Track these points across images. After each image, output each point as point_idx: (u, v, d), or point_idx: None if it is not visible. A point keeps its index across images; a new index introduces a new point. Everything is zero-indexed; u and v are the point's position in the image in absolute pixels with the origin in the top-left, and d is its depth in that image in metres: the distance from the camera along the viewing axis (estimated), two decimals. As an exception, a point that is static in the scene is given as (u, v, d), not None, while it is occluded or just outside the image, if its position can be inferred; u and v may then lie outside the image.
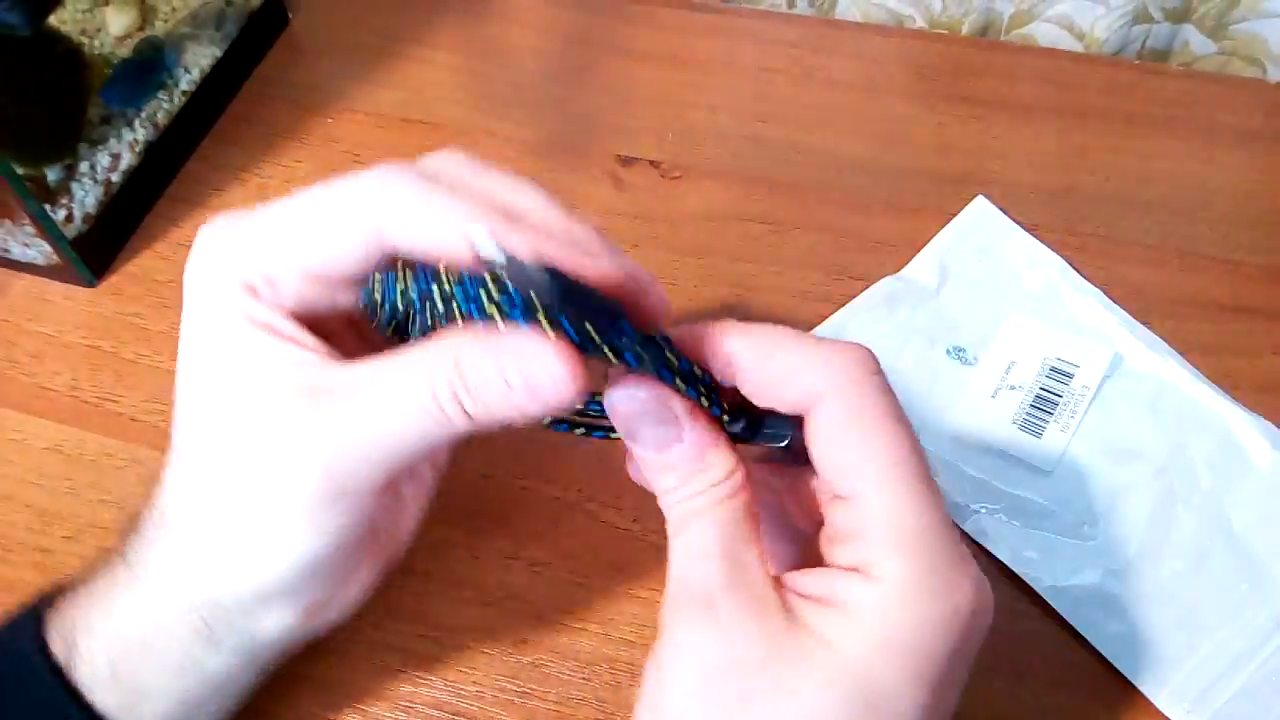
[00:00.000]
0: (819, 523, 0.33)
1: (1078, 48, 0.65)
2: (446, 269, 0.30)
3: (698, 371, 0.30)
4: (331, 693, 0.41)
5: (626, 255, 0.31)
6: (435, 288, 0.30)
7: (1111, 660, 0.40)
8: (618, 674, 0.41)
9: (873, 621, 0.27)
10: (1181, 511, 0.43)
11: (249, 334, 0.31)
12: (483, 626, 0.42)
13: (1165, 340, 0.48)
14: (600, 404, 0.33)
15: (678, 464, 0.30)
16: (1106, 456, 0.45)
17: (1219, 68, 0.64)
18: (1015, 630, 0.42)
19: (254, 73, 0.63)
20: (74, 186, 0.53)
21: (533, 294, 0.27)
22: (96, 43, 0.55)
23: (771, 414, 0.31)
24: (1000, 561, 0.43)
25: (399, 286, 0.32)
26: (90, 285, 0.54)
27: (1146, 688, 0.40)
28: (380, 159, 0.60)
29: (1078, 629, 0.41)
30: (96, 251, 0.54)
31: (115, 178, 0.55)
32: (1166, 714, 0.39)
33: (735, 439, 0.31)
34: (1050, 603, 0.42)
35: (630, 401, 0.30)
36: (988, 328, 0.49)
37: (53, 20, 0.52)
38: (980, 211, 0.53)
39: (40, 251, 0.53)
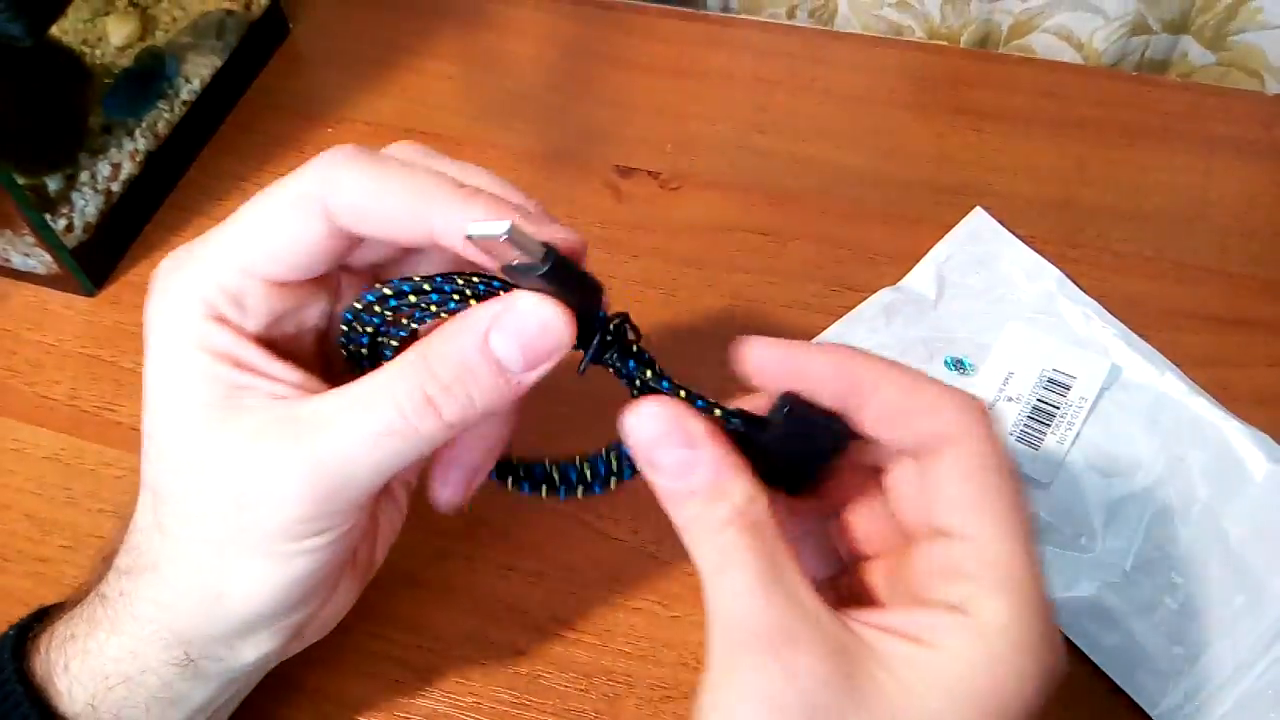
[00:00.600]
0: (854, 552, 0.33)
1: (1076, 59, 0.65)
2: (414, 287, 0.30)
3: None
4: (328, 703, 0.41)
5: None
6: (410, 296, 0.30)
7: (1108, 673, 0.40)
8: (615, 685, 0.41)
9: (964, 661, 0.27)
10: (1178, 524, 0.43)
11: (214, 371, 0.30)
12: (480, 637, 0.42)
13: (1162, 352, 0.48)
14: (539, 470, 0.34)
15: (700, 487, 0.28)
16: (1103, 468, 0.45)
17: (1218, 79, 0.64)
18: (1012, 642, 0.41)
19: (254, 82, 0.63)
20: (74, 196, 0.53)
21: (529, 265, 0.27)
22: (97, 52, 0.55)
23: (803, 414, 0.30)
24: (997, 573, 0.43)
25: (366, 314, 0.31)
26: (90, 295, 0.54)
27: (1143, 700, 0.40)
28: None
29: (1074, 642, 0.41)
30: (96, 261, 0.54)
31: (116, 187, 0.55)
32: (1163, 727, 0.39)
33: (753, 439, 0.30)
34: (1047, 615, 0.42)
35: (651, 422, 0.28)
36: (985, 339, 0.49)
37: (54, 30, 0.52)
38: (978, 223, 0.54)
39: (40, 261, 0.53)
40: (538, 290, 0.28)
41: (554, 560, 0.44)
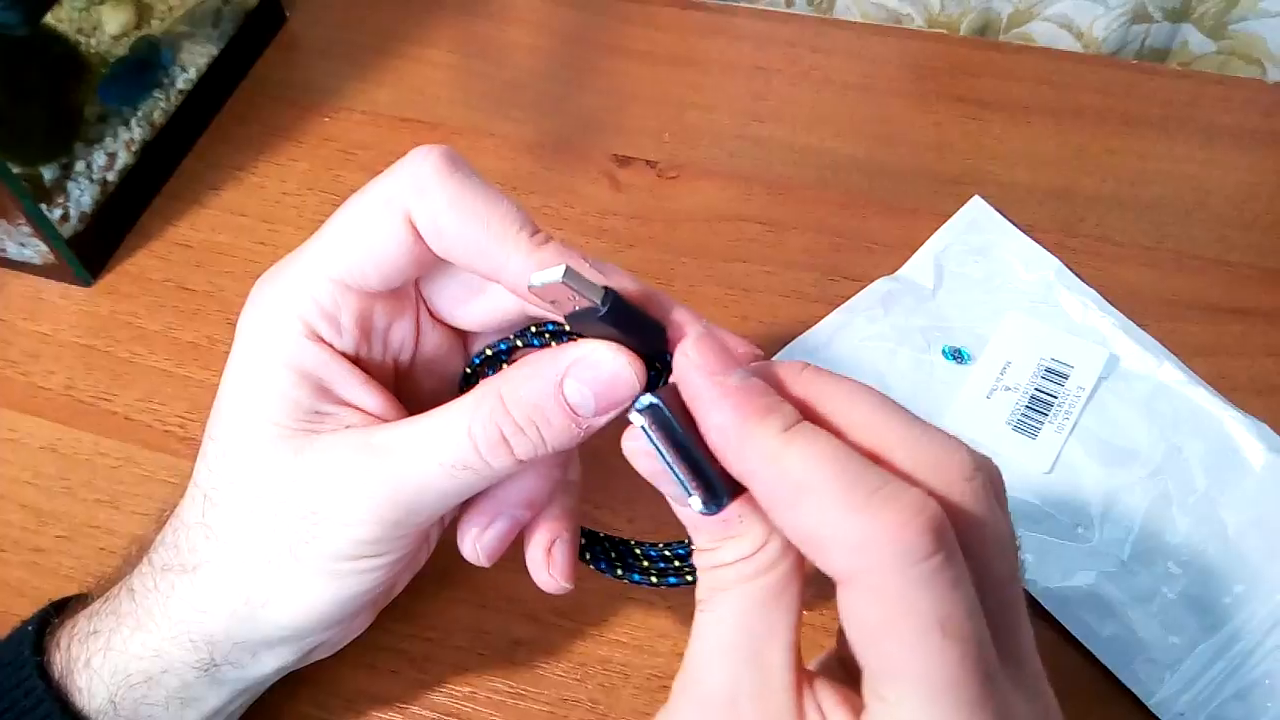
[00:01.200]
0: None
1: (1076, 47, 0.64)
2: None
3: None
4: (325, 693, 0.41)
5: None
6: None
7: (1105, 663, 0.40)
8: (611, 675, 0.41)
9: None
10: (1176, 513, 0.43)
11: (296, 393, 0.31)
12: (477, 627, 0.42)
13: (1161, 341, 0.48)
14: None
15: (701, 525, 0.26)
16: (1101, 458, 0.45)
17: (1218, 67, 0.64)
18: (1009, 632, 0.41)
19: (250, 72, 0.63)
20: (70, 186, 0.53)
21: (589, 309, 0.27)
22: (93, 42, 0.55)
23: None
24: (994, 563, 0.43)
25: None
26: (86, 284, 0.54)
27: (1140, 690, 0.40)
28: (377, 158, 0.61)
29: (1071, 632, 0.41)
30: (92, 251, 0.54)
31: (111, 177, 0.55)
32: (1160, 717, 0.39)
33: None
34: (1044, 605, 0.42)
35: (643, 461, 0.27)
36: (983, 328, 0.49)
37: (49, 19, 0.52)
38: (976, 212, 0.53)
39: (36, 251, 0.53)
40: (603, 336, 0.28)
41: (551, 550, 0.44)
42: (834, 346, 0.49)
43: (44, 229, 0.51)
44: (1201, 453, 0.45)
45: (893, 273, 0.52)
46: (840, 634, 0.31)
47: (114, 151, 0.55)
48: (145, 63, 0.57)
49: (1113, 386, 0.47)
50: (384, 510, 0.30)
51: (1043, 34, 0.65)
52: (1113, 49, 0.64)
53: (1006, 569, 0.25)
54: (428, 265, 0.31)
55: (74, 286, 0.54)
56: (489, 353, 0.32)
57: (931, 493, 0.24)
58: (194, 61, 0.59)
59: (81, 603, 0.36)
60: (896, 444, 0.25)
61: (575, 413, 0.29)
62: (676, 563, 0.34)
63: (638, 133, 0.59)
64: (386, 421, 0.31)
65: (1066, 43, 0.65)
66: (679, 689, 0.27)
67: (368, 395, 0.31)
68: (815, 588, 0.26)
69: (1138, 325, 0.49)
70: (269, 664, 0.33)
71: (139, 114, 0.56)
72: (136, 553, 0.35)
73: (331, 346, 0.31)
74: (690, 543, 0.32)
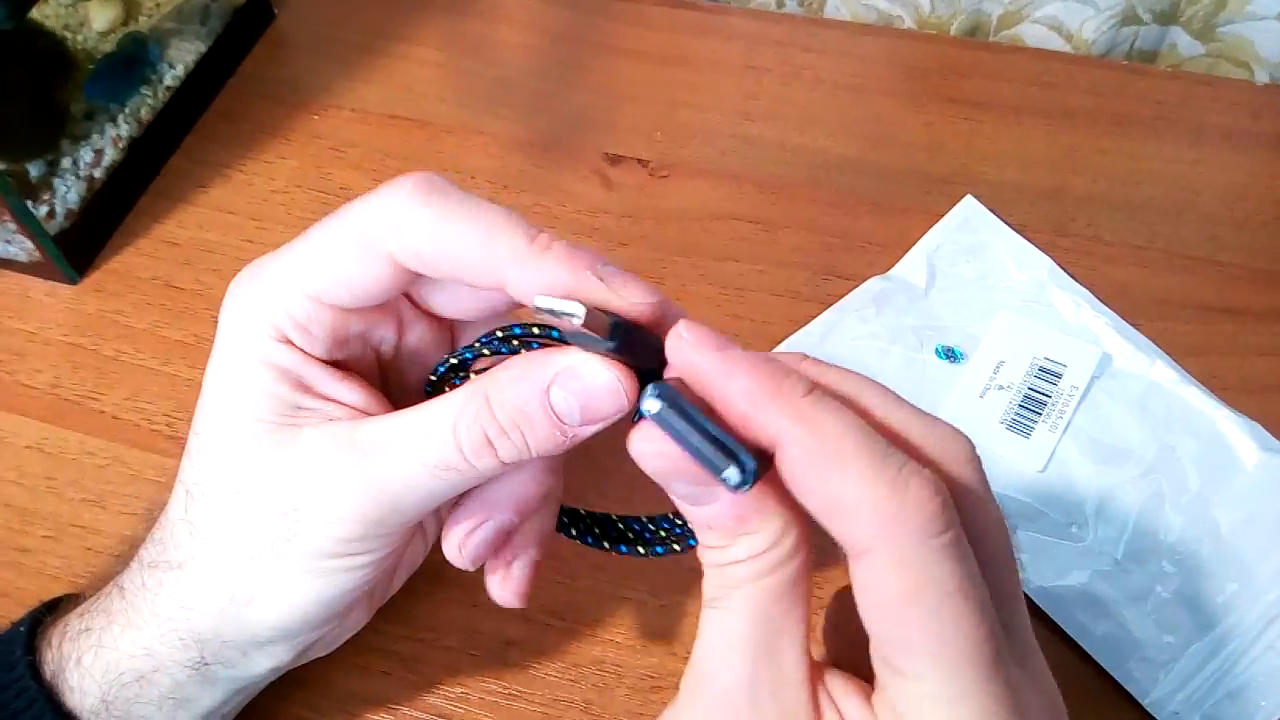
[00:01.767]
0: None
1: (1066, 49, 0.65)
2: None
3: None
4: (316, 694, 0.41)
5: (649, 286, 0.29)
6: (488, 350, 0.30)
7: (1099, 661, 0.40)
8: (605, 675, 0.41)
9: None
10: (1170, 512, 0.43)
11: (275, 389, 0.30)
12: (468, 628, 0.42)
13: (1153, 341, 0.48)
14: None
15: (714, 523, 0.26)
16: (1095, 457, 0.45)
17: (1206, 69, 0.64)
18: (1003, 631, 0.41)
19: (239, 69, 0.63)
20: (56, 182, 0.53)
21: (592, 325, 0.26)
22: (80, 37, 0.54)
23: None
24: (988, 562, 0.43)
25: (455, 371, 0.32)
26: (72, 282, 0.53)
27: (1134, 689, 0.40)
28: (366, 156, 0.60)
29: (1065, 630, 0.41)
30: (79, 248, 0.53)
31: (98, 174, 0.54)
32: (1154, 715, 0.39)
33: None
34: (1038, 604, 0.41)
35: (657, 460, 0.25)
36: (976, 327, 0.49)
37: (35, 14, 0.52)
38: (968, 211, 0.53)
39: (22, 248, 0.52)
40: (598, 351, 0.27)
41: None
42: (826, 346, 0.49)
43: (30, 226, 0.50)
44: (1194, 452, 0.45)
45: (885, 272, 0.51)
46: (828, 630, 0.31)
47: (101, 148, 0.54)
48: (133, 59, 0.56)
49: (1105, 386, 0.47)
50: (366, 508, 0.29)
51: (1032, 36, 0.65)
52: (1102, 51, 0.64)
53: (1005, 553, 0.26)
54: (410, 283, 0.31)
55: (60, 284, 0.53)
56: (453, 361, 0.31)
57: (937, 474, 0.24)
58: (182, 58, 0.59)
59: (74, 602, 0.35)
60: (901, 428, 0.25)
61: (561, 421, 0.28)
62: (661, 533, 0.34)
63: (629, 131, 0.59)
64: (370, 415, 0.31)
65: (1056, 44, 0.65)
66: (690, 686, 0.26)
67: (348, 391, 0.31)
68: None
69: (1130, 324, 0.49)
70: (262, 664, 0.33)
71: (126, 111, 0.56)
72: (129, 551, 0.35)
73: (305, 351, 0.31)
74: (675, 515, 0.33)
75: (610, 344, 0.26)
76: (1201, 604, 0.41)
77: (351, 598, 0.32)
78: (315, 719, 0.40)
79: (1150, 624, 0.41)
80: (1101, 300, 0.50)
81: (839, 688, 0.26)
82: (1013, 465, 0.45)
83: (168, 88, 0.58)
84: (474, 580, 0.43)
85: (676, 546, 0.33)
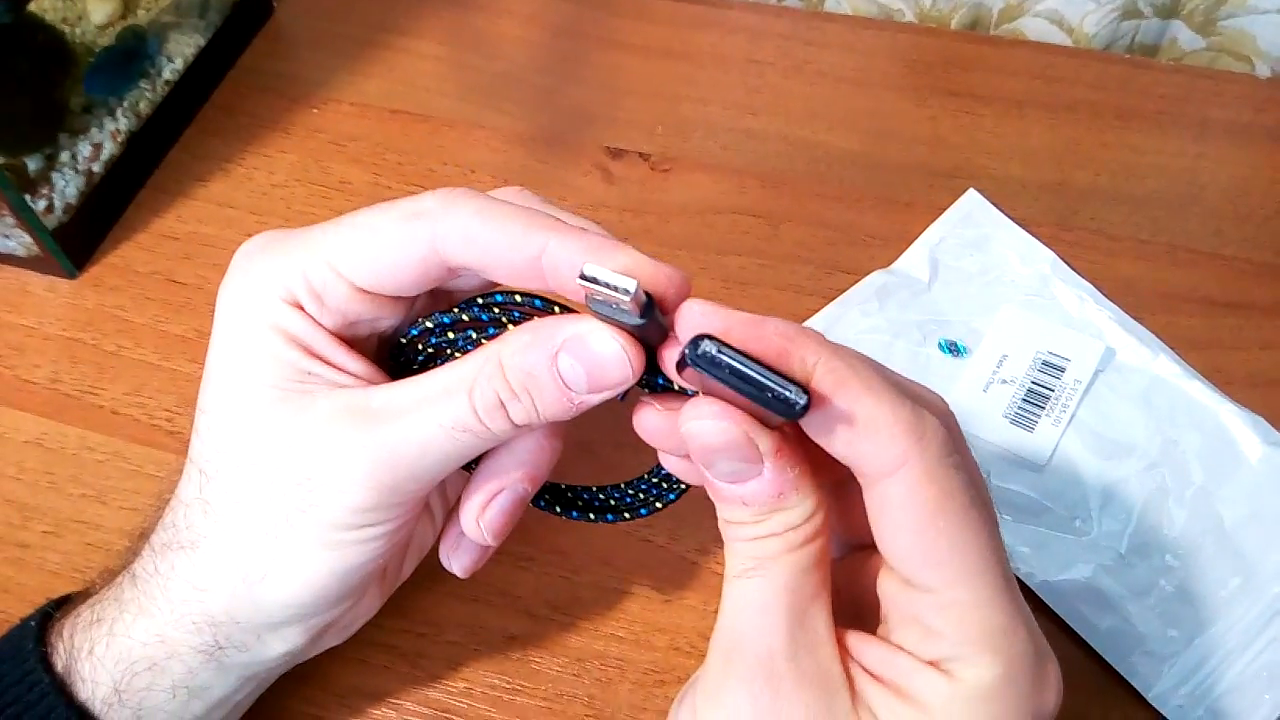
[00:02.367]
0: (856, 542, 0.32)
1: (1066, 42, 0.64)
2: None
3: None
4: (317, 689, 0.40)
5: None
6: (468, 321, 0.31)
7: (1103, 655, 0.40)
8: (608, 670, 0.41)
9: None
10: (1173, 506, 0.43)
11: (285, 354, 0.30)
12: (471, 623, 0.42)
13: (1157, 335, 0.48)
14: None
15: (753, 499, 0.27)
16: (1098, 451, 0.45)
17: (1207, 63, 0.64)
18: (1007, 625, 0.41)
19: (238, 62, 0.62)
20: (55, 176, 0.52)
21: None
22: (78, 31, 0.54)
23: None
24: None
25: (430, 336, 0.32)
26: (71, 277, 0.53)
27: (1138, 683, 0.40)
28: (366, 150, 0.60)
29: (1069, 624, 0.41)
30: (77, 242, 0.53)
31: (97, 168, 0.54)
32: (1158, 709, 0.39)
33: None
34: (1042, 598, 0.41)
35: (714, 435, 0.26)
36: (979, 321, 0.49)
37: (34, 7, 0.51)
38: (971, 205, 0.53)
39: (20, 242, 0.52)
40: (612, 324, 0.28)
41: (544, 544, 0.44)
42: (829, 340, 0.48)
43: (28, 220, 0.50)
44: (1198, 446, 0.45)
45: (888, 266, 0.51)
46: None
47: (100, 142, 0.54)
48: (131, 53, 0.56)
49: (1109, 379, 0.47)
50: (380, 474, 0.29)
51: (1033, 29, 0.65)
52: (1103, 44, 0.64)
53: (988, 494, 0.28)
54: (435, 283, 0.31)
55: (59, 279, 0.53)
56: (428, 324, 0.31)
57: None
58: (181, 52, 0.58)
59: (85, 596, 0.35)
60: (895, 381, 0.28)
61: (567, 387, 0.28)
62: (641, 495, 0.34)
63: (630, 125, 0.58)
64: (374, 385, 0.31)
65: (1056, 38, 0.65)
66: (724, 654, 0.27)
67: (355, 362, 0.31)
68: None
69: (1133, 318, 0.49)
70: (275, 648, 0.33)
71: (125, 104, 0.55)
72: (130, 545, 0.35)
73: (314, 320, 0.31)
74: (651, 474, 0.34)
75: (639, 320, 0.27)
76: (1205, 598, 0.41)
77: (364, 574, 0.32)
78: (317, 714, 0.40)
79: (1154, 618, 0.41)
80: (1105, 294, 0.50)
81: (858, 644, 0.28)
82: (1016, 459, 0.45)
83: (167, 81, 0.57)
84: (476, 574, 0.43)
85: (659, 504, 0.34)
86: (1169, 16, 0.64)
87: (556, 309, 0.30)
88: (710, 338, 0.25)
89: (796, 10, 0.66)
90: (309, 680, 0.40)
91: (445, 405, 0.29)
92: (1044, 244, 0.51)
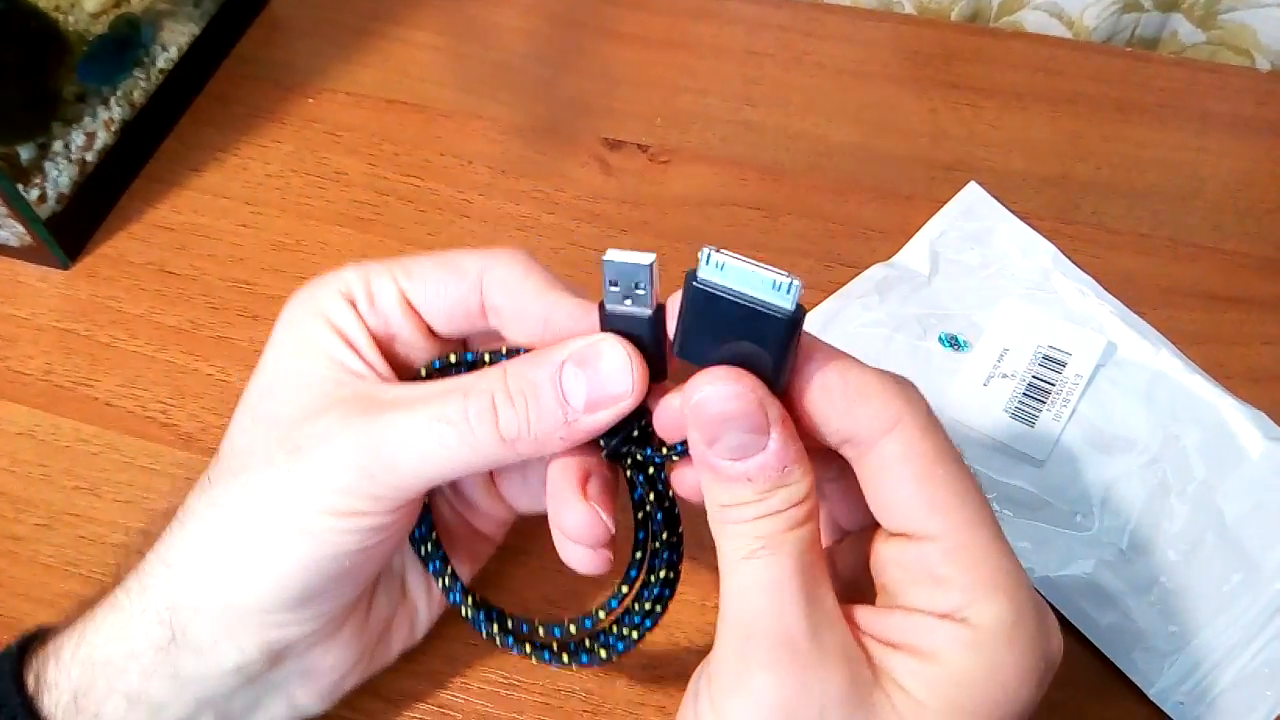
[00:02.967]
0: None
1: (1066, 35, 0.64)
2: None
3: None
4: (313, 684, 0.40)
5: None
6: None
7: (1104, 651, 0.40)
8: (605, 665, 0.41)
9: (972, 672, 0.26)
10: (1174, 502, 0.43)
11: (321, 338, 0.32)
12: (468, 617, 0.42)
13: (1158, 329, 0.48)
14: None
15: (757, 475, 0.27)
16: (1099, 446, 0.45)
17: (1208, 57, 0.64)
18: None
19: (233, 51, 0.62)
20: (48, 166, 0.52)
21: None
22: (71, 19, 0.54)
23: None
24: (992, 552, 0.42)
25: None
26: (64, 267, 0.53)
27: (1139, 679, 0.39)
28: (362, 140, 0.59)
29: (1070, 620, 0.41)
30: (71, 232, 0.53)
31: (90, 157, 0.53)
32: (1159, 705, 0.39)
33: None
34: (1042, 593, 0.41)
35: (727, 402, 0.26)
36: (980, 315, 0.49)
37: (26, -6, 0.51)
38: (972, 198, 0.53)
39: (13, 232, 0.51)
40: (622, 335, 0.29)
41: (540, 539, 0.43)
42: (829, 334, 0.48)
43: (21, 210, 0.49)
44: (1199, 441, 0.44)
45: (888, 259, 0.51)
46: None
47: (93, 131, 0.54)
48: (125, 41, 0.56)
49: (1110, 374, 0.46)
50: (366, 459, 0.29)
51: (1033, 22, 0.65)
52: (1103, 37, 0.64)
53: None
54: (471, 327, 0.33)
55: (52, 269, 0.53)
56: (451, 359, 0.33)
57: None
58: (175, 40, 0.58)
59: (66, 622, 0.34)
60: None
61: (565, 400, 0.29)
62: (587, 641, 0.34)
63: (629, 116, 0.58)
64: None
65: (1056, 31, 0.64)
66: (740, 641, 0.27)
67: (381, 362, 0.32)
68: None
69: (1135, 313, 0.48)
70: (229, 656, 0.32)
71: (119, 93, 0.55)
72: (123, 539, 0.35)
73: (357, 312, 0.32)
74: (596, 612, 0.34)
75: (649, 313, 0.28)
76: (1207, 594, 0.41)
77: (331, 574, 0.31)
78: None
79: (1155, 614, 0.41)
80: (1106, 288, 0.49)
81: (862, 614, 0.28)
82: (1017, 454, 0.44)
83: (161, 70, 0.57)
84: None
85: (603, 653, 0.34)
86: (1169, 10, 0.63)
87: None
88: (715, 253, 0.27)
89: (796, 1, 0.65)
90: (305, 675, 0.40)
91: (438, 401, 0.30)
92: (1045, 237, 0.51)
